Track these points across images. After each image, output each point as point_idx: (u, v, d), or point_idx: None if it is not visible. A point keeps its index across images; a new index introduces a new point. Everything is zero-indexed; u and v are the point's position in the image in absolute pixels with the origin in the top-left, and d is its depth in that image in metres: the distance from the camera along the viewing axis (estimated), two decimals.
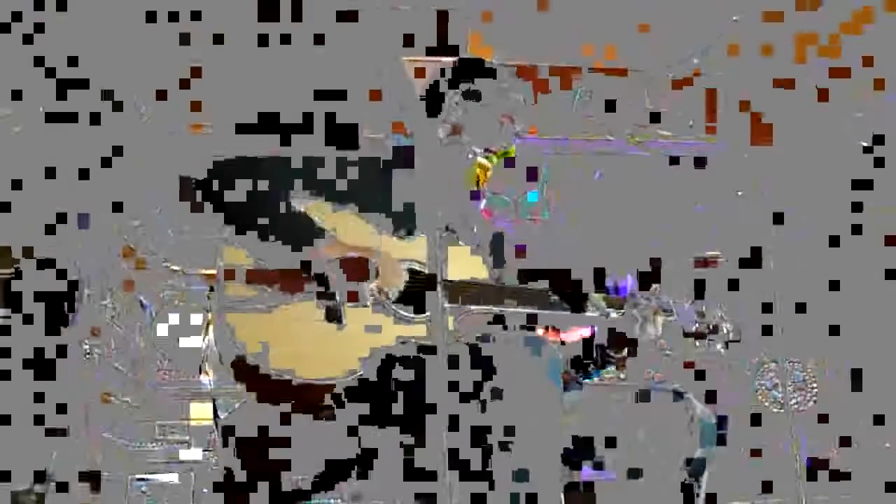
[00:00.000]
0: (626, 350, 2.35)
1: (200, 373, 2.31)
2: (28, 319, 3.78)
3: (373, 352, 2.08)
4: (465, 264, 2.29)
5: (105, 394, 4.65)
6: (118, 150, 4.08)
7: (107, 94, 3.89)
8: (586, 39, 4.66)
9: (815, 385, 5.91)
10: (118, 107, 4.03)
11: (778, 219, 2.19)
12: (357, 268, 2.06)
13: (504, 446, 1.71)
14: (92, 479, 4.24)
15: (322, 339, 2.07)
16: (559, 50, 4.71)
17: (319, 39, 4.22)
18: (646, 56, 4.86)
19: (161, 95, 4.45)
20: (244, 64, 4.26)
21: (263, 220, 2.10)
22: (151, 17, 4.09)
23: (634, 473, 2.12)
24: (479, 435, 1.78)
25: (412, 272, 2.17)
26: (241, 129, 4.18)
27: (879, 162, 4.85)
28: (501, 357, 1.80)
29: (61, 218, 3.85)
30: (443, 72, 2.49)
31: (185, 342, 5.94)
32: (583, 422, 1.94)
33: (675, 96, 4.74)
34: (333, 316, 2.08)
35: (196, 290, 6.14)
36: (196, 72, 4.40)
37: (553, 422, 1.74)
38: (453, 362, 1.85)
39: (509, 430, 1.71)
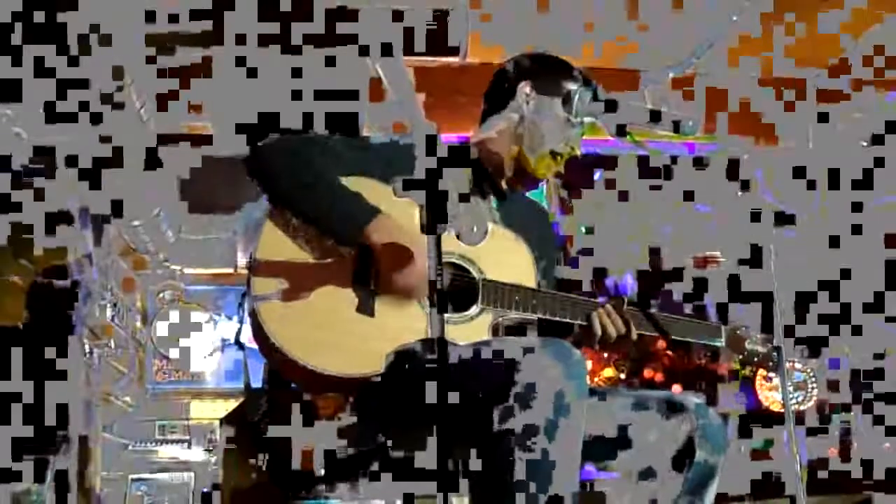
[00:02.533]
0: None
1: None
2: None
3: (399, 350, 1.99)
4: (511, 265, 2.17)
5: (105, 394, 4.65)
6: (118, 151, 4.07)
7: (106, 97, 3.89)
8: (586, 39, 4.66)
9: (814, 385, 5.93)
10: (118, 107, 4.03)
11: (779, 219, 2.17)
12: (400, 257, 1.99)
13: (526, 448, 1.66)
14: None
15: (349, 330, 1.99)
16: (559, 50, 4.70)
17: (319, 39, 4.22)
18: (646, 56, 4.86)
19: (161, 96, 4.46)
20: (244, 64, 4.25)
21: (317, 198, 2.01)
22: (151, 16, 4.08)
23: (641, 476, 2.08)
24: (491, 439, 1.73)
25: (455, 266, 2.13)
26: (241, 129, 4.19)
27: (879, 161, 4.85)
28: (518, 360, 1.74)
29: (62, 217, 3.84)
30: (514, 65, 2.41)
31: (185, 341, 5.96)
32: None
33: (676, 96, 4.75)
34: (364, 307, 2.02)
35: (195, 290, 6.15)
36: (196, 71, 4.40)
37: (574, 427, 1.69)
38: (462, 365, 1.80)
39: (531, 431, 1.66)
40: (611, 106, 2.15)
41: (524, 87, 2.30)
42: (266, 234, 2.04)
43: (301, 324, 1.96)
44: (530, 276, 2.20)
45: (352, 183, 2.07)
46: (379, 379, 1.95)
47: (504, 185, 2.34)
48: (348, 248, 2.02)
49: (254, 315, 1.98)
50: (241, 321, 2.13)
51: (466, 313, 2.10)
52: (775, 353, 2.27)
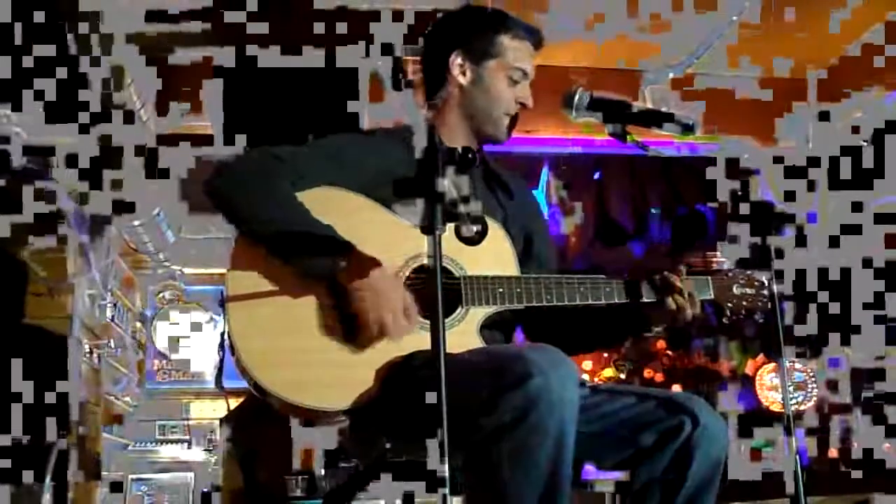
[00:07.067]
0: None
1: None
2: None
3: (392, 368, 1.94)
4: (490, 253, 2.06)
5: (105, 394, 4.64)
6: (118, 150, 4.07)
7: (108, 96, 3.88)
8: (586, 38, 4.66)
9: (814, 385, 5.94)
10: (118, 107, 4.03)
11: (779, 218, 2.15)
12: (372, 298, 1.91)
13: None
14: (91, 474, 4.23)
15: (338, 361, 1.93)
16: (559, 49, 4.71)
17: (319, 39, 4.22)
18: (646, 56, 4.87)
19: (161, 96, 4.46)
20: (244, 64, 4.25)
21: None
22: (151, 16, 4.09)
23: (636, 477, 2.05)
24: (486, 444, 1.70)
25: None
26: (241, 129, 4.18)
27: (879, 161, 4.85)
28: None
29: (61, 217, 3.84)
30: (439, 34, 2.26)
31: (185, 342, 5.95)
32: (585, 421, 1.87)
33: (676, 96, 4.75)
34: (349, 333, 1.94)
35: (195, 290, 6.15)
36: (196, 71, 4.40)
37: (565, 432, 1.67)
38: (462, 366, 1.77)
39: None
40: (613, 107, 2.13)
41: (455, 59, 2.21)
42: (235, 260, 1.99)
43: (290, 366, 1.93)
44: (510, 262, 2.13)
45: (322, 196, 2.01)
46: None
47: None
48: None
49: (237, 359, 1.94)
50: (221, 362, 2.08)
51: (452, 317, 2.02)
52: (766, 292, 2.22)
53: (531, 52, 2.25)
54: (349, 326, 1.96)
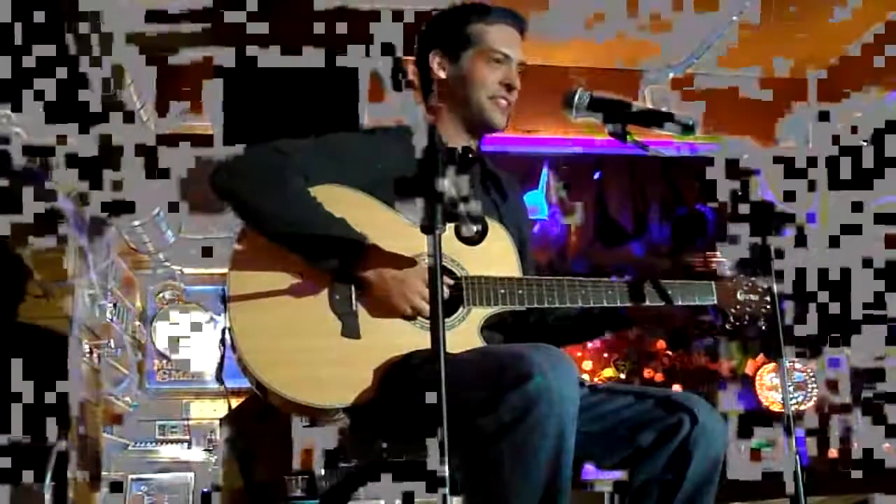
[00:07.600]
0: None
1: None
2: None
3: (391, 367, 1.95)
4: (492, 254, 2.07)
5: (105, 394, 4.65)
6: (118, 150, 4.07)
7: (108, 96, 3.88)
8: (586, 38, 4.66)
9: (815, 385, 5.94)
10: (118, 107, 4.03)
11: (779, 218, 2.15)
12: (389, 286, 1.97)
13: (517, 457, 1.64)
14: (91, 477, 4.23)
15: (340, 360, 1.95)
16: (559, 48, 4.71)
17: (319, 39, 4.22)
18: (646, 55, 4.87)
19: (161, 96, 4.45)
20: (244, 64, 4.25)
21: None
22: (151, 16, 4.09)
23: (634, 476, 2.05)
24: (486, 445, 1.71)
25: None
26: (241, 129, 4.18)
27: (879, 161, 4.85)
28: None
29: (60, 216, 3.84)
30: (418, 40, 2.27)
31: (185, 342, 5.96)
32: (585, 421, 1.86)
33: (676, 96, 4.75)
34: (350, 331, 1.97)
35: (195, 290, 6.15)
36: (196, 71, 4.40)
37: (565, 431, 1.67)
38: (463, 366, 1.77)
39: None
40: (613, 107, 2.13)
41: (433, 59, 2.24)
42: (236, 260, 2.00)
43: (291, 365, 1.94)
44: (512, 263, 2.14)
45: (325, 193, 2.02)
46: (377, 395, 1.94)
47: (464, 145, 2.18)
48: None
49: (239, 358, 1.95)
50: (222, 357, 2.09)
51: (453, 317, 2.03)
52: (768, 298, 2.21)
53: (512, 35, 2.25)
54: (349, 325, 1.97)
